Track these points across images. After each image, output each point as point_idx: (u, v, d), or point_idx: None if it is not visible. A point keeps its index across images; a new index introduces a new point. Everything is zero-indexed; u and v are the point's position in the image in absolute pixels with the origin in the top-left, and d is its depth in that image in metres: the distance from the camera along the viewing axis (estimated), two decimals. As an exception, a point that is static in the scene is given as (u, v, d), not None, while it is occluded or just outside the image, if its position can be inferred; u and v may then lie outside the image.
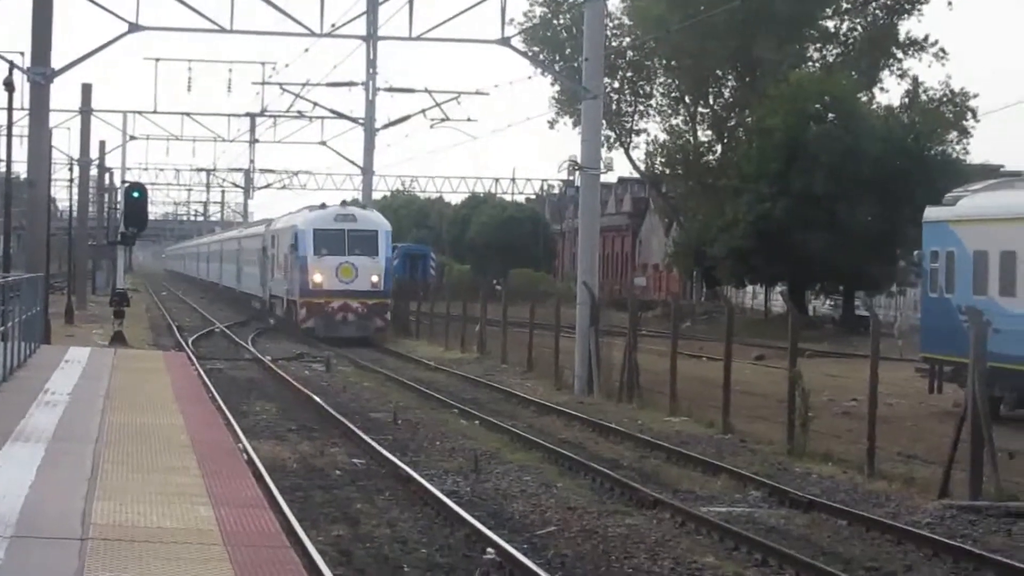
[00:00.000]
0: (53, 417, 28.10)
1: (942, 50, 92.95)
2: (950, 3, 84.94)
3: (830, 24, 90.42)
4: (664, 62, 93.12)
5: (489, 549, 24.35)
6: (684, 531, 26.63)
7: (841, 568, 23.31)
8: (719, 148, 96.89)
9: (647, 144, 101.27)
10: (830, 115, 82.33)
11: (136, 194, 65.86)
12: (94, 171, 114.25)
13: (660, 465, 34.92)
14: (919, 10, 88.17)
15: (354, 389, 51.28)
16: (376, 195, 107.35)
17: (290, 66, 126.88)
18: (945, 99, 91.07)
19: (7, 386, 32.38)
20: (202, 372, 46.49)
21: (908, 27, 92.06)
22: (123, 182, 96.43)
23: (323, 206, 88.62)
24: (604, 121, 60.32)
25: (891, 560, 24.79)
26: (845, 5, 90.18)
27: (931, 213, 50.92)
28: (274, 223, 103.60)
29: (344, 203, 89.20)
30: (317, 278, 79.60)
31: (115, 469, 21.93)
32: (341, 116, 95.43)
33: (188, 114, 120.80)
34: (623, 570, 23.49)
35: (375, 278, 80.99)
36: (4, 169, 70.97)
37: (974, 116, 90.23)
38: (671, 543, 25.55)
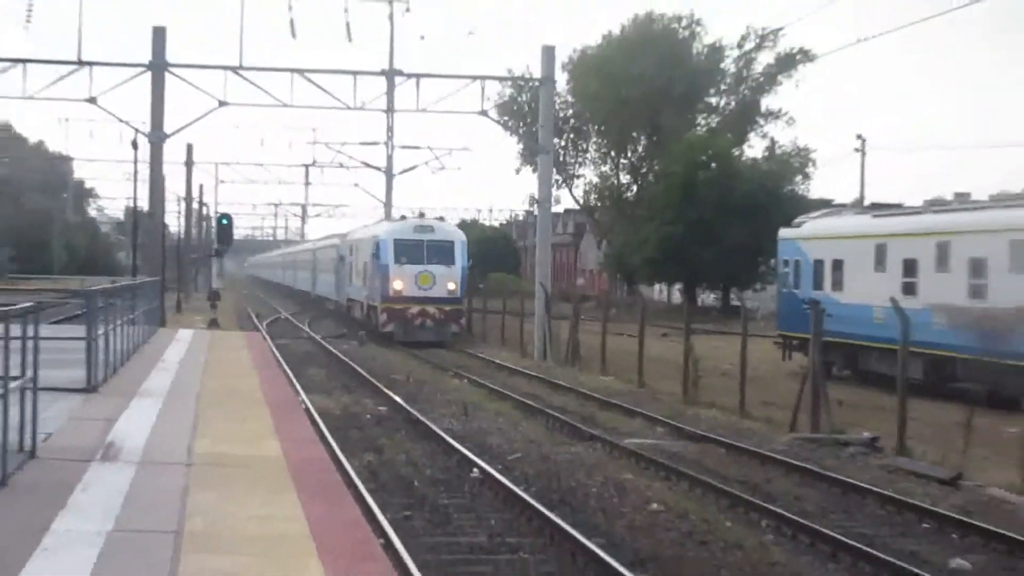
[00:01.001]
0: (167, 379, 28.06)
1: (791, 118, 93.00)
2: (797, 85, 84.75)
3: (713, 100, 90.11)
4: (596, 127, 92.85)
5: (475, 469, 24.42)
6: (611, 456, 26.69)
7: (720, 481, 23.37)
8: (635, 188, 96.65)
9: (584, 185, 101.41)
10: (713, 164, 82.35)
11: (224, 221, 66.18)
12: (195, 205, 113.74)
13: (595, 410, 34.96)
14: (775, 91, 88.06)
15: (379, 359, 51.15)
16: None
17: (333, 130, 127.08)
18: (793, 152, 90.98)
19: (135, 357, 32.30)
20: (272, 347, 46.39)
21: (767, 102, 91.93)
22: (216, 213, 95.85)
23: (403, 218, 69.35)
24: (554, 169, 60.57)
25: (756, 475, 24.87)
26: (723, 87, 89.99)
27: (784, 233, 51.30)
28: (352, 234, 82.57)
29: (422, 215, 70.51)
30: (397, 285, 62.36)
31: (211, 416, 21.91)
32: (368, 166, 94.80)
33: (261, 164, 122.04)
34: (568, 483, 23.51)
35: (451, 285, 62.73)
36: (132, 204, 71.48)
37: (813, 164, 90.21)
38: (602, 465, 25.60)
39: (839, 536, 18.61)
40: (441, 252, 63.34)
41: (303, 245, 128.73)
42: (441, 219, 72.03)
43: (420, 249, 63.04)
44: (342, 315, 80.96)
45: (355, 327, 69.75)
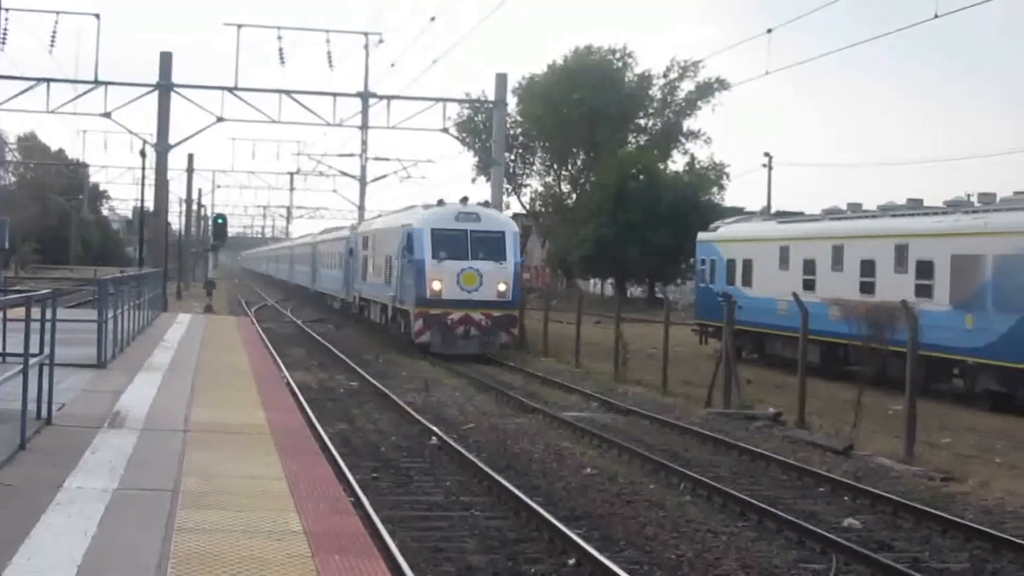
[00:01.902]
0: (168, 356, 27.89)
1: (709, 137, 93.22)
2: (713, 109, 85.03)
3: (642, 121, 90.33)
4: (542, 143, 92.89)
5: (433, 437, 24.34)
6: (551, 427, 26.65)
7: (645, 449, 23.35)
8: (575, 196, 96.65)
9: (531, 193, 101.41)
10: (641, 176, 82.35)
11: (220, 220, 65.92)
12: (195, 206, 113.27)
13: (537, 387, 34.92)
14: (695, 114, 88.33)
15: (353, 341, 51.02)
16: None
17: (315, 143, 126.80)
18: (710, 167, 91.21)
19: (140, 337, 32.09)
20: (260, 330, 46.20)
21: (688, 123, 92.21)
22: (212, 213, 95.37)
23: (441, 203, 49.63)
24: (504, 179, 60.49)
25: (677, 444, 24.87)
26: (651, 110, 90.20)
27: (701, 236, 51.42)
28: (367, 224, 63.43)
29: (465, 200, 50.03)
30: (436, 286, 45.20)
31: (205, 388, 21.80)
32: (345, 175, 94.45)
33: (253, 172, 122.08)
34: (514, 450, 23.49)
35: (502, 286, 45.56)
36: (140, 205, 71.08)
37: (727, 177, 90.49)
38: (544, 434, 25.58)
39: (747, 498, 18.62)
40: (489, 245, 45.66)
41: (303, 238, 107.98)
42: (486, 204, 52.23)
43: (463, 242, 45.54)
44: (352, 316, 62.88)
45: (373, 333, 55.43)
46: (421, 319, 43.92)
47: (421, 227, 45.34)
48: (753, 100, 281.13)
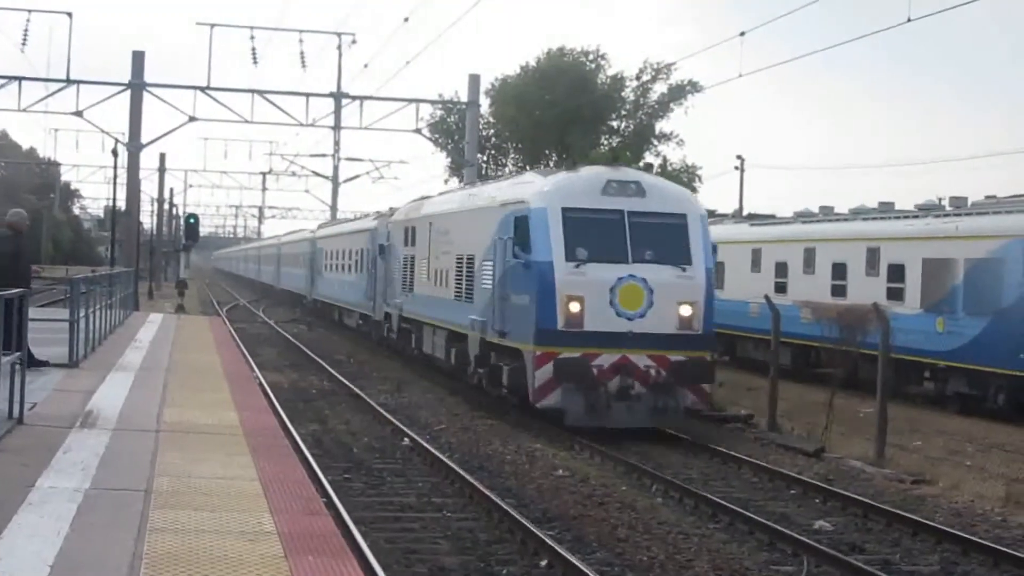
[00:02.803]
0: (140, 355, 27.82)
1: (681, 140, 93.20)
2: (686, 112, 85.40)
3: (615, 123, 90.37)
4: (514, 144, 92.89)
5: (405, 439, 24.37)
6: (521, 428, 26.67)
7: (617, 450, 23.34)
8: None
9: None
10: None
11: (192, 220, 65.75)
12: (167, 206, 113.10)
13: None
14: (668, 116, 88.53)
15: (326, 342, 50.97)
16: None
17: (287, 143, 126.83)
18: (683, 169, 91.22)
19: (112, 337, 31.98)
20: (231, 330, 46.10)
21: (661, 126, 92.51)
22: (184, 213, 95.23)
23: (574, 166, 31.38)
24: (478, 180, 60.49)
25: (648, 446, 24.89)
26: (623, 112, 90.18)
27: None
28: (415, 208, 40.46)
29: (616, 161, 37.13)
30: (573, 308, 25.57)
31: (177, 388, 21.75)
32: (318, 175, 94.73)
33: (225, 172, 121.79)
34: (486, 451, 23.53)
35: (686, 310, 26.05)
36: (112, 204, 70.95)
37: (700, 179, 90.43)
38: (516, 435, 25.61)
39: (719, 500, 18.69)
40: (662, 238, 26.74)
41: (295, 234, 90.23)
42: (648, 167, 33.94)
43: (618, 231, 26.48)
44: (377, 337, 46.05)
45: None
46: (547, 367, 25.31)
47: (543, 206, 26.37)
48: (727, 103, 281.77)
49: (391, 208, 47.64)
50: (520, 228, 26.68)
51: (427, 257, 35.86)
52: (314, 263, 67.88)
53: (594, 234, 26.23)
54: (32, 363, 22.18)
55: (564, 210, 26.25)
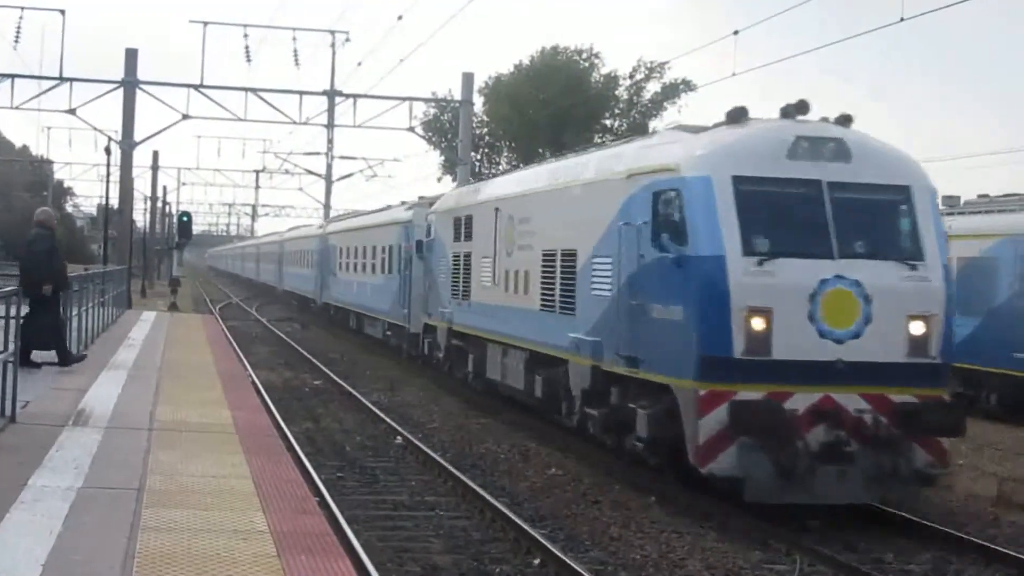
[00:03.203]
0: (132, 354, 27.82)
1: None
2: (680, 111, 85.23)
3: (608, 122, 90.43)
4: (508, 143, 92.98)
5: (398, 437, 24.36)
6: (514, 428, 26.65)
7: (610, 449, 23.34)
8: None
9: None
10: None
11: (185, 218, 65.47)
12: (160, 204, 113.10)
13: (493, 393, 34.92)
14: (661, 115, 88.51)
15: (319, 340, 50.95)
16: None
17: (281, 141, 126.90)
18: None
19: (105, 335, 32.01)
20: (224, 328, 46.08)
21: (655, 124, 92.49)
22: (177, 211, 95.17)
23: (743, 115, 18.88)
24: (471, 178, 60.48)
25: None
26: (617, 111, 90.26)
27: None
28: (470, 193, 32.06)
29: (802, 107, 18.62)
30: (757, 325, 16.65)
31: (170, 387, 21.77)
32: (311, 173, 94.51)
33: (218, 170, 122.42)
34: (479, 449, 23.53)
35: (919, 327, 17.31)
36: (105, 202, 70.95)
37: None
38: (509, 434, 25.60)
39: (711, 499, 18.66)
40: (878, 220, 18.38)
41: (301, 230, 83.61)
42: (847, 119, 18.94)
43: (815, 211, 17.79)
44: (413, 352, 38.72)
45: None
46: (717, 413, 17.09)
47: (704, 174, 18.06)
48: (721, 102, 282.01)
49: (421, 197, 42.61)
50: (665, 208, 18.18)
51: (492, 254, 27.54)
52: (325, 262, 59.84)
53: (781, 216, 17.92)
54: (28, 363, 22.38)
55: (736, 180, 17.60)
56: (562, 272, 22.64)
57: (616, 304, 19.62)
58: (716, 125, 19.44)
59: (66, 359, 23.13)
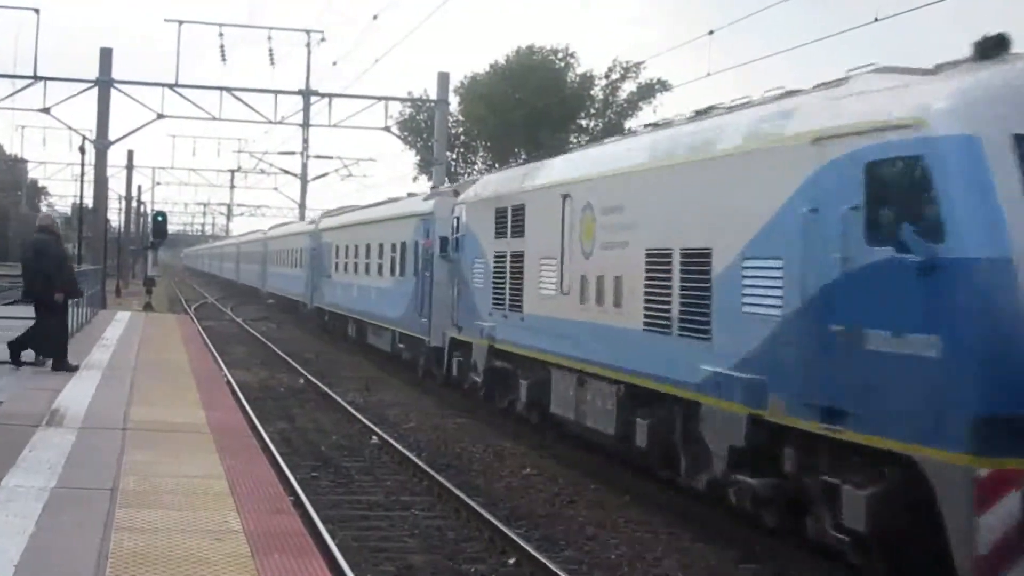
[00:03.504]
0: (107, 354, 27.72)
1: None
2: (655, 111, 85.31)
3: (584, 122, 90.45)
4: (483, 143, 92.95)
5: (374, 437, 24.34)
6: (491, 427, 26.63)
7: (586, 449, 23.32)
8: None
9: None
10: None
11: (160, 218, 65.24)
12: (135, 203, 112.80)
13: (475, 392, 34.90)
14: (637, 115, 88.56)
15: (295, 340, 50.86)
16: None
17: (256, 141, 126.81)
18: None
19: (79, 335, 31.85)
20: (200, 328, 45.98)
21: (630, 124, 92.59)
22: (152, 210, 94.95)
23: (1003, 45, 11.96)
24: (446, 178, 60.45)
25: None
26: (592, 111, 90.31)
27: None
28: (516, 178, 25.31)
29: None
30: None
31: (145, 387, 21.69)
32: (286, 172, 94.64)
33: (193, 169, 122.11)
34: (455, 449, 23.52)
35: None
36: (79, 202, 70.77)
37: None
38: (485, 434, 25.59)
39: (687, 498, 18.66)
40: None
41: (286, 227, 76.65)
42: None
43: None
44: (431, 370, 33.53)
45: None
46: (1010, 507, 10.94)
47: (972, 133, 11.53)
48: (696, 101, 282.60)
49: (451, 185, 37.49)
50: (897, 185, 12.22)
51: (560, 255, 21.39)
52: (319, 262, 53.53)
53: None
54: (18, 361, 22.60)
55: (1019, 140, 11.59)
56: (681, 280, 16.52)
57: (793, 327, 13.68)
58: (956, 63, 12.80)
59: (62, 367, 23.06)
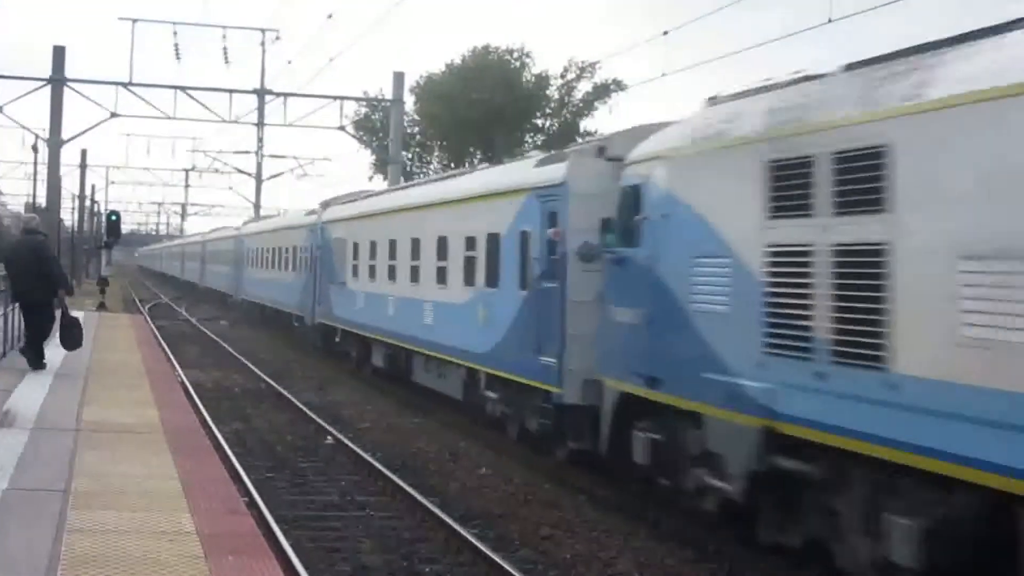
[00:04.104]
0: (59, 353, 27.57)
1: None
2: (611, 110, 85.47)
3: (539, 122, 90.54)
4: (439, 142, 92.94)
5: (329, 437, 24.28)
6: (446, 427, 26.61)
7: (542, 450, 23.32)
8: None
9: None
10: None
11: (113, 217, 64.81)
12: (88, 203, 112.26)
13: (432, 391, 34.85)
14: (592, 115, 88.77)
15: (249, 340, 50.69)
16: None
17: (211, 140, 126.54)
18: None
19: (31, 335, 31.70)
20: (153, 327, 45.77)
21: (586, 124, 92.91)
22: (106, 210, 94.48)
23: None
24: (402, 177, 60.33)
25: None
26: (548, 111, 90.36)
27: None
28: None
29: None
30: None
31: (97, 387, 21.58)
32: (241, 172, 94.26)
33: (148, 168, 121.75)
34: (410, 449, 23.47)
35: None
36: (32, 201, 70.41)
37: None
38: (440, 434, 25.56)
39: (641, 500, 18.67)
40: None
41: (270, 221, 62.79)
42: None
43: None
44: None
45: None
46: None
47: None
48: (652, 102, 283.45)
49: (591, 140, 25.17)
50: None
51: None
52: (326, 264, 41.77)
53: None
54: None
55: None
56: None
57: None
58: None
59: (40, 366, 23.55)
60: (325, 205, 44.71)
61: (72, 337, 24.96)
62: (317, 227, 43.94)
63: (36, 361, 23.62)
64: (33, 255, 22.91)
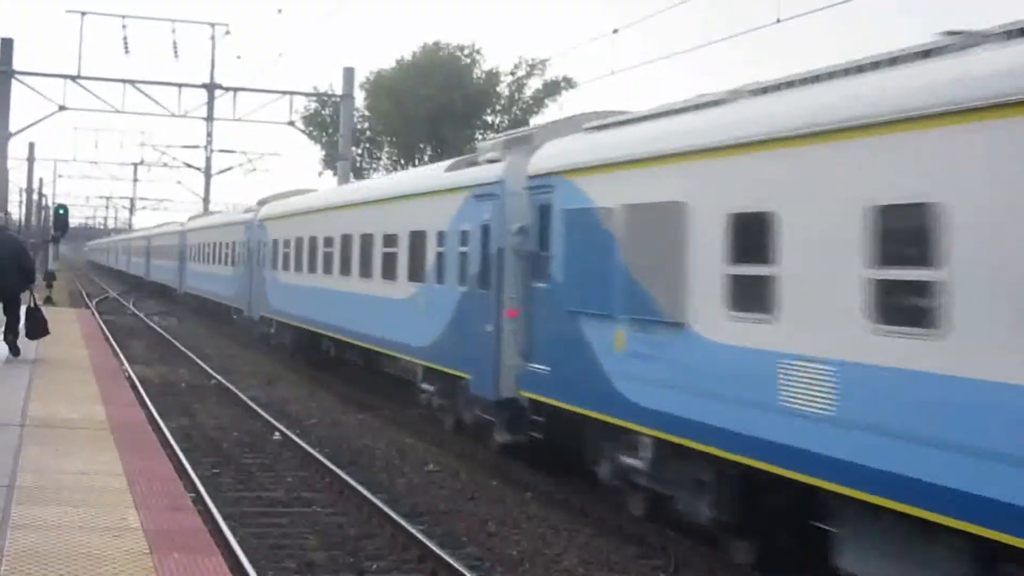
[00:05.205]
0: (3, 348, 27.42)
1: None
2: (561, 108, 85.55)
3: (489, 118, 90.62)
4: (388, 138, 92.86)
5: (276, 433, 24.24)
6: (392, 424, 26.60)
7: (485, 447, 23.36)
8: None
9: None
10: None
11: (61, 211, 64.51)
12: (36, 197, 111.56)
13: (378, 386, 34.87)
14: (543, 112, 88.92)
15: (196, 335, 50.49)
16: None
17: (159, 133, 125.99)
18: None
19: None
20: (101, 322, 45.53)
21: (536, 121, 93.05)
22: (53, 204, 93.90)
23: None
24: (351, 173, 60.24)
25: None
26: (498, 107, 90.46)
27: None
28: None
29: None
30: None
31: (43, 382, 21.47)
32: (190, 166, 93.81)
33: (95, 162, 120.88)
34: (357, 445, 23.47)
35: None
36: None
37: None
38: (386, 430, 25.56)
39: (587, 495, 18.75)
40: None
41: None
42: None
43: None
44: None
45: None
46: None
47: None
48: (600, 99, 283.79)
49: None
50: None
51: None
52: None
53: None
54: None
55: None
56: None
57: None
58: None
59: (17, 351, 25.11)
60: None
61: (37, 327, 26.07)
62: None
63: (16, 349, 24.91)
64: (12, 251, 23.77)
